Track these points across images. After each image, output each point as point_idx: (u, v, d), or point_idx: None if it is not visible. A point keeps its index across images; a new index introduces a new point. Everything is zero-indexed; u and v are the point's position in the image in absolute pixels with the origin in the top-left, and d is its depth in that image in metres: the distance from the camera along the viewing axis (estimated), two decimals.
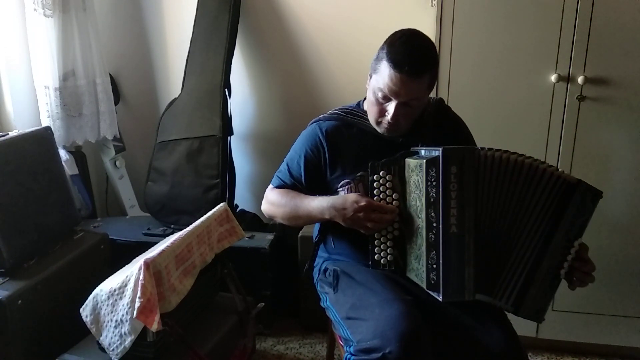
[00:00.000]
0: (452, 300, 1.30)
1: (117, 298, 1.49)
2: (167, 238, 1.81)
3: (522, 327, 1.37)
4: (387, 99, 1.40)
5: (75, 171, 2.37)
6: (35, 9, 2.14)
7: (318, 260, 1.62)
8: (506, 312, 1.38)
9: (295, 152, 1.57)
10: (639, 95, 1.82)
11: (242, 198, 2.60)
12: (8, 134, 1.85)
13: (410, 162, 1.34)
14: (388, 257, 1.39)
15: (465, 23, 1.86)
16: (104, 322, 1.52)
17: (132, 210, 2.68)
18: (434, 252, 1.28)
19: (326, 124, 1.54)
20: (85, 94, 2.34)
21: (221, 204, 1.85)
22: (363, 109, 1.55)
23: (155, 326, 1.40)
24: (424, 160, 1.27)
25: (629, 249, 1.95)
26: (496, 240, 1.30)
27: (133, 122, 2.74)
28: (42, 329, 1.71)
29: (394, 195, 1.38)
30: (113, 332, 1.50)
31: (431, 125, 1.51)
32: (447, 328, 1.35)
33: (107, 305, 1.51)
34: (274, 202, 1.55)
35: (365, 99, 1.53)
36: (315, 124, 1.57)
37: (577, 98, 1.85)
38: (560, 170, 1.29)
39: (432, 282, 1.29)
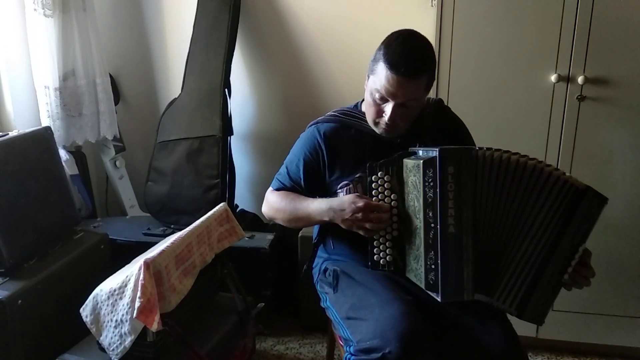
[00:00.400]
0: (451, 301, 1.30)
1: (117, 298, 1.49)
2: (167, 238, 1.81)
3: (522, 327, 1.37)
4: (384, 100, 1.40)
5: (75, 171, 2.37)
6: (35, 9, 2.14)
7: (318, 261, 1.62)
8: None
9: (294, 155, 1.57)
10: (639, 95, 1.82)
11: (242, 198, 2.60)
12: (8, 134, 1.85)
13: (408, 162, 1.34)
14: (387, 258, 1.39)
15: (465, 23, 1.86)
16: (104, 322, 1.52)
17: (132, 210, 2.68)
18: (432, 252, 1.28)
19: (324, 126, 1.54)
20: (85, 94, 2.34)
21: (221, 204, 1.85)
22: (361, 110, 1.55)
23: (155, 326, 1.40)
24: (421, 161, 1.27)
25: (629, 248, 1.95)
26: (497, 241, 1.30)
27: (133, 122, 2.74)
28: (42, 329, 1.71)
29: (392, 196, 1.37)
30: (113, 332, 1.50)
31: (430, 126, 1.51)
32: (447, 328, 1.35)
33: (107, 305, 1.51)
34: (273, 205, 1.55)
35: (363, 100, 1.53)
36: (313, 126, 1.57)
37: (577, 98, 1.85)
38: (567, 174, 1.27)
39: (431, 282, 1.29)
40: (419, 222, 1.31)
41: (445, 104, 1.63)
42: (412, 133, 1.48)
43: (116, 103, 2.56)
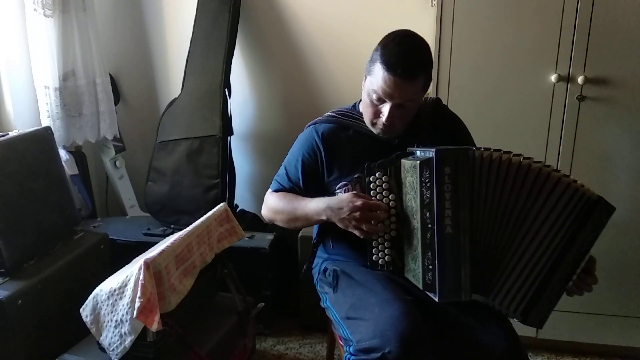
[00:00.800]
0: (449, 301, 1.30)
1: (117, 298, 1.49)
2: (167, 238, 1.81)
3: (522, 327, 1.36)
4: (381, 100, 1.40)
5: (75, 171, 2.37)
6: (35, 9, 2.14)
7: (317, 260, 1.62)
8: None
9: (293, 156, 1.57)
10: (639, 95, 1.82)
11: (242, 198, 2.60)
12: (8, 134, 1.85)
13: (406, 163, 1.34)
14: (386, 258, 1.39)
15: (465, 23, 1.86)
16: (104, 322, 1.52)
17: (132, 210, 2.69)
18: (430, 253, 1.28)
19: (322, 126, 1.54)
20: (85, 94, 2.35)
21: (221, 204, 1.85)
22: (359, 111, 1.54)
23: (155, 326, 1.40)
24: (418, 162, 1.27)
25: (629, 249, 1.95)
26: (497, 242, 1.29)
27: (133, 122, 2.74)
28: (42, 329, 1.71)
29: (390, 196, 1.37)
30: (113, 332, 1.50)
31: (428, 126, 1.51)
32: (447, 328, 1.35)
33: (107, 305, 1.51)
34: (272, 206, 1.56)
35: (360, 100, 1.53)
36: (311, 127, 1.57)
37: (577, 98, 1.85)
38: (578, 182, 1.26)
39: (429, 282, 1.29)
40: (416, 222, 1.31)
41: (445, 103, 1.63)
42: (410, 133, 1.48)
43: (116, 103, 2.56)
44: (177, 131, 2.39)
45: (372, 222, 1.35)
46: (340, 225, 1.39)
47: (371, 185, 1.38)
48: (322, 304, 1.56)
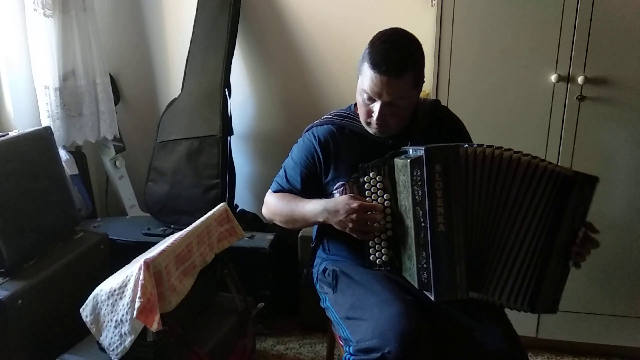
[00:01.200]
0: (445, 299, 1.30)
1: (117, 298, 1.49)
2: (167, 238, 1.81)
3: (522, 327, 1.37)
4: (372, 99, 1.40)
5: (75, 171, 2.37)
6: (35, 9, 2.14)
7: (317, 261, 1.62)
8: (505, 312, 1.38)
9: (292, 159, 1.59)
10: (639, 95, 1.82)
11: (242, 198, 2.60)
12: (8, 134, 1.85)
13: (398, 162, 1.34)
14: (383, 258, 1.39)
15: (465, 23, 1.86)
16: (104, 322, 1.52)
17: (132, 210, 2.68)
18: (424, 251, 1.28)
19: (319, 129, 1.56)
20: (85, 94, 2.34)
21: (221, 204, 1.85)
22: (355, 112, 1.55)
23: (155, 326, 1.40)
24: (409, 160, 1.27)
25: (629, 248, 1.95)
26: (491, 237, 1.30)
27: (133, 122, 2.74)
28: (42, 329, 1.71)
29: (385, 196, 1.37)
30: (113, 332, 1.50)
31: (424, 126, 1.51)
32: (447, 328, 1.35)
33: (107, 305, 1.51)
34: (271, 206, 1.57)
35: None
36: (309, 131, 1.59)
37: (577, 98, 1.85)
38: (554, 164, 1.28)
39: (424, 281, 1.29)
40: (409, 221, 1.31)
41: (444, 104, 1.63)
42: (406, 133, 1.48)
43: (116, 103, 2.56)
44: (177, 131, 2.39)
45: (369, 223, 1.35)
46: (337, 227, 1.39)
47: (366, 185, 1.39)
48: (321, 304, 1.56)
